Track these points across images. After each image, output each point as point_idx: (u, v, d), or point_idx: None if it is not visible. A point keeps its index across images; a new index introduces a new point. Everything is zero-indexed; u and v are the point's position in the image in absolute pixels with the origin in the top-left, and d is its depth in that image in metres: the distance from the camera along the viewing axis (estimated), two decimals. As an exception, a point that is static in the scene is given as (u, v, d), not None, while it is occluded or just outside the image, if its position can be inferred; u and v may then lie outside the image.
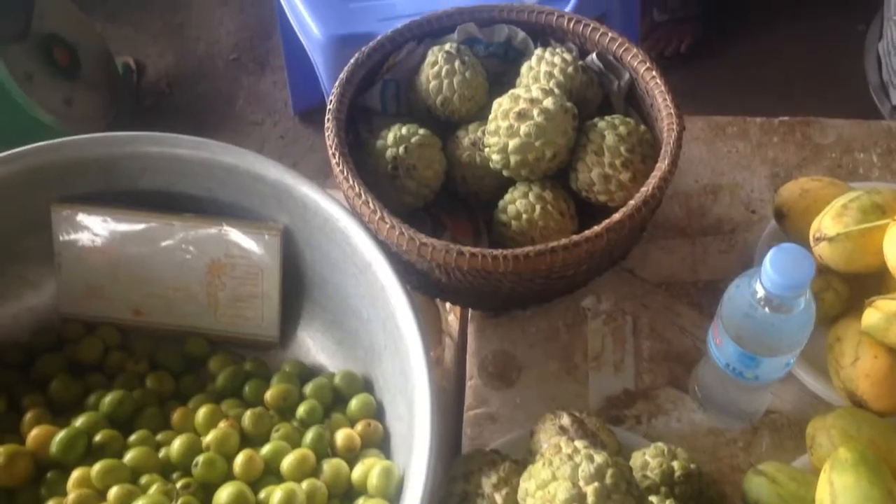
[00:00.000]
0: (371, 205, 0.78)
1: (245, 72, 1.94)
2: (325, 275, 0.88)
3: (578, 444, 0.67)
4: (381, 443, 0.81)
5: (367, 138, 0.90)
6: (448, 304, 0.99)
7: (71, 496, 0.73)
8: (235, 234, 0.89)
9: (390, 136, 0.86)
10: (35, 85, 1.60)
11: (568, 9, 1.37)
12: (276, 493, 0.72)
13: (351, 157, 0.83)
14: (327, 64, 1.41)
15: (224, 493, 0.73)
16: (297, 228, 0.88)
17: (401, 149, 0.85)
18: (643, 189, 0.78)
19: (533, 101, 0.82)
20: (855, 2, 1.95)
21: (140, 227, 0.90)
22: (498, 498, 0.68)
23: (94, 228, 0.90)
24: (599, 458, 0.60)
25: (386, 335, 0.80)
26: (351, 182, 0.80)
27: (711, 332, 0.74)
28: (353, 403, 0.84)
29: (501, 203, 0.85)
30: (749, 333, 0.68)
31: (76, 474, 0.75)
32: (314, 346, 0.93)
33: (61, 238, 0.91)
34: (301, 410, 0.83)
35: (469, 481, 0.70)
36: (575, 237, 0.75)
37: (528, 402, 0.83)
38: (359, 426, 0.81)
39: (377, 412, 0.84)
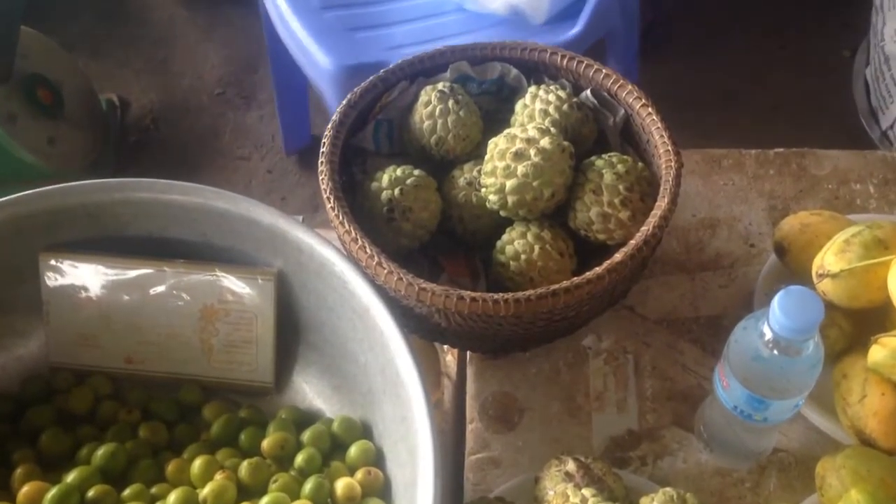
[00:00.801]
0: (368, 250, 0.77)
1: (231, 106, 1.93)
2: (322, 319, 0.87)
3: (586, 492, 0.66)
4: (381, 491, 0.80)
5: (362, 180, 0.89)
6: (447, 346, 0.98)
7: (64, 557, 0.70)
8: (229, 280, 0.87)
9: (385, 178, 0.85)
10: (18, 125, 1.58)
11: (576, 29, 1.38)
12: (278, 548, 0.70)
13: (346, 200, 0.82)
14: (336, 95, 1.40)
15: (223, 550, 0.71)
16: (292, 273, 0.86)
17: (396, 191, 0.84)
18: (643, 228, 0.77)
19: (529, 141, 0.81)
20: (840, 28, 1.98)
21: (131, 273, 0.88)
22: (506, 549, 0.67)
23: (83, 276, 0.89)
24: (612, 511, 0.59)
25: (385, 380, 0.79)
26: (347, 227, 0.79)
27: (717, 373, 0.73)
28: (353, 450, 0.82)
29: (499, 243, 0.84)
30: (757, 376, 0.67)
31: (69, 534, 0.73)
32: (311, 391, 0.91)
33: (50, 286, 0.89)
34: (299, 459, 0.81)
35: (476, 532, 0.68)
36: (576, 279, 0.74)
37: (531, 445, 0.82)
38: (359, 474, 0.79)
39: (377, 459, 0.82)
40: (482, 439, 0.82)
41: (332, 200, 0.81)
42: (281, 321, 0.88)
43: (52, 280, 0.89)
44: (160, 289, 0.88)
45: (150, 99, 1.96)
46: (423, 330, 0.84)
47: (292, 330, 0.90)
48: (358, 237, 0.78)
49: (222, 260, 0.88)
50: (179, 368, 0.91)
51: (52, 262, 0.88)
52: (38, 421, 0.86)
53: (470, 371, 0.87)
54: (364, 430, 0.85)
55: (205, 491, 0.77)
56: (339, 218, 0.80)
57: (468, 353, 0.90)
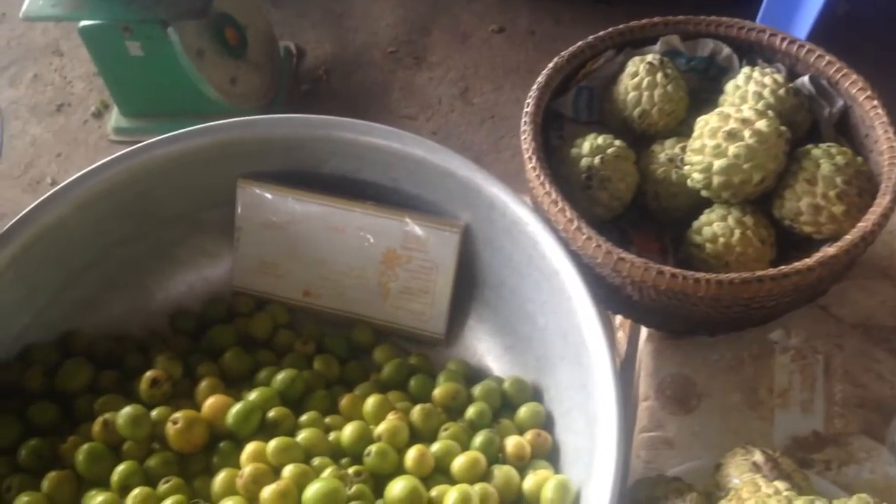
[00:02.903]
0: (568, 213, 0.76)
1: (401, 65, 1.95)
2: (503, 277, 0.87)
3: (779, 485, 0.64)
4: (549, 455, 0.80)
5: (558, 145, 0.88)
6: (618, 321, 0.96)
7: (247, 469, 0.73)
8: (415, 227, 0.89)
9: (586, 146, 0.83)
10: (205, 61, 1.65)
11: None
12: (451, 493, 0.71)
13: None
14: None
15: (397, 486, 0.72)
16: (480, 228, 0.87)
17: (596, 159, 0.82)
18: (861, 224, 0.73)
19: (745, 122, 0.78)
20: None
21: (321, 209, 0.91)
22: (685, 530, 0.65)
23: (275, 206, 0.91)
24: (822, 505, 0.56)
25: (566, 346, 0.78)
26: (547, 189, 0.78)
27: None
28: (523, 411, 0.82)
29: (696, 224, 0.81)
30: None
31: (251, 448, 0.76)
32: (480, 348, 0.91)
33: (243, 213, 0.92)
34: (471, 412, 0.81)
35: (653, 508, 0.67)
36: (784, 268, 0.71)
37: (708, 431, 0.79)
38: (528, 435, 0.79)
39: (546, 422, 0.82)
40: (657, 418, 0.81)
41: (533, 161, 0.80)
42: (459, 274, 0.89)
43: (246, 206, 0.92)
44: (347, 227, 0.90)
45: (325, 50, 2.00)
46: (610, 301, 0.82)
47: (470, 285, 0.90)
48: (558, 200, 0.77)
49: (409, 207, 0.89)
50: (353, 308, 0.93)
51: (249, 189, 0.91)
52: (221, 340, 0.90)
53: (649, 348, 0.86)
54: (534, 393, 0.85)
55: (380, 428, 0.78)
56: (539, 179, 0.79)
57: (644, 331, 0.88)
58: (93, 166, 0.86)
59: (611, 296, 0.80)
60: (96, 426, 0.78)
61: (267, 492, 0.71)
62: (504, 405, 0.84)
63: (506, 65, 1.86)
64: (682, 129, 0.88)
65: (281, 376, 0.84)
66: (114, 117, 1.91)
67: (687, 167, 0.82)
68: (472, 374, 0.88)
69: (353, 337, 0.92)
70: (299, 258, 0.93)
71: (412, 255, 0.90)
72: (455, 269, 0.89)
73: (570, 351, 0.77)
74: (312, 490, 0.70)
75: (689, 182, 0.82)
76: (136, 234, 0.91)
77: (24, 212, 0.83)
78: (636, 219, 0.87)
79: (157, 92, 1.76)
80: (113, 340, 0.89)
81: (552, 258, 0.78)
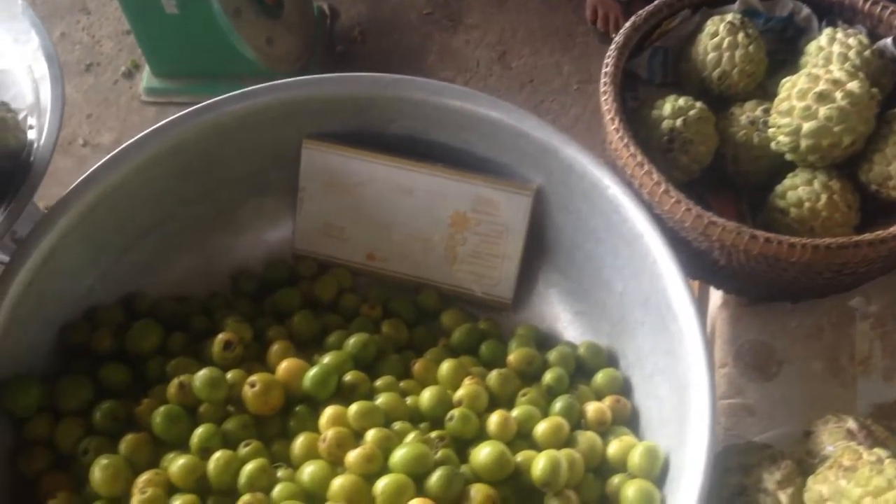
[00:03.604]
0: (654, 176, 0.75)
1: (438, 27, 1.92)
2: (578, 242, 0.85)
3: (880, 452, 0.63)
4: (628, 421, 0.79)
5: (634, 106, 0.86)
6: (686, 286, 0.95)
7: (329, 433, 0.72)
8: (486, 190, 0.87)
9: (667, 107, 0.82)
10: (242, 20, 1.62)
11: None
12: (540, 459, 0.70)
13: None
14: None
15: (484, 451, 0.71)
16: (554, 191, 0.85)
17: (679, 121, 0.81)
18: (957, 189, 0.72)
19: (836, 83, 0.76)
20: None
21: (388, 170, 0.89)
22: (783, 497, 0.65)
23: (341, 167, 0.90)
24: (944, 474, 0.56)
25: (647, 311, 0.77)
26: (632, 150, 0.77)
27: None
28: (600, 377, 0.81)
29: (780, 188, 0.80)
30: None
31: (330, 412, 0.75)
32: (549, 314, 0.90)
33: (307, 174, 0.91)
34: (548, 377, 0.80)
35: (748, 475, 0.67)
36: (881, 233, 0.70)
37: (790, 399, 0.79)
38: (607, 401, 0.78)
39: (623, 388, 0.81)
40: (736, 385, 0.80)
41: (615, 122, 0.79)
42: (530, 239, 0.87)
43: (310, 167, 0.90)
44: (415, 189, 0.89)
45: (359, 11, 1.97)
46: (690, 265, 0.81)
47: (539, 249, 0.89)
48: (644, 162, 0.76)
49: (478, 169, 0.88)
50: (418, 272, 0.92)
51: (314, 149, 0.90)
52: (286, 303, 0.89)
53: (724, 314, 0.84)
54: (609, 359, 0.84)
55: (459, 393, 0.77)
56: (622, 141, 0.78)
57: (718, 297, 0.87)
58: (158, 125, 0.84)
59: (692, 260, 0.78)
60: (172, 388, 0.77)
61: (352, 456, 0.70)
62: (577, 371, 0.83)
63: (544, 28, 1.83)
64: (760, 92, 0.87)
65: (353, 340, 0.83)
66: (145, 77, 1.88)
67: (772, 130, 0.80)
68: (542, 339, 0.87)
69: (419, 301, 0.91)
70: (364, 220, 0.91)
71: (482, 218, 0.88)
72: (525, 233, 0.87)
73: (653, 317, 0.76)
74: (400, 455, 0.69)
75: (773, 145, 0.80)
76: (199, 194, 0.90)
77: (89, 171, 0.82)
78: (712, 182, 0.86)
79: (192, 51, 1.73)
80: (175, 302, 0.88)
81: (635, 222, 0.77)
